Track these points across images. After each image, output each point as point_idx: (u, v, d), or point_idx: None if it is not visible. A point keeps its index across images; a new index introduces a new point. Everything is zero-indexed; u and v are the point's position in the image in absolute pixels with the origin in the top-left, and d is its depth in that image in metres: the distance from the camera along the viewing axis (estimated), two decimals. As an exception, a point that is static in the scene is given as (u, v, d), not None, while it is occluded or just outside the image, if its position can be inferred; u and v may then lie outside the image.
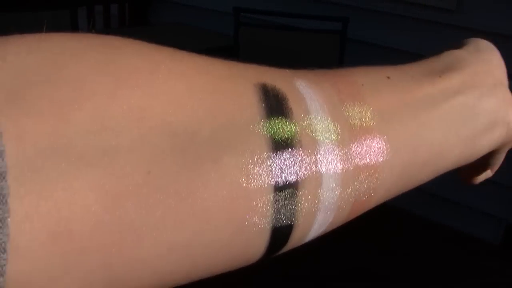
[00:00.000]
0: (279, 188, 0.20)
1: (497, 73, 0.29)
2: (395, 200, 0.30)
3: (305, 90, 0.22)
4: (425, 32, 2.16)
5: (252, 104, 0.20)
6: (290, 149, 0.20)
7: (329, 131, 0.22)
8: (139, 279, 0.18)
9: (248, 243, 0.20)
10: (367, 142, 0.23)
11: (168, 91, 0.19)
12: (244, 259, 0.21)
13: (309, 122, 0.21)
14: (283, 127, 0.20)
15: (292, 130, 0.21)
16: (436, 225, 2.16)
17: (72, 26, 2.40)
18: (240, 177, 0.19)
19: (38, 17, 2.12)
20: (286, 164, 0.20)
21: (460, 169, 0.35)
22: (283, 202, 0.20)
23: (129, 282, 0.18)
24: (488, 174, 0.37)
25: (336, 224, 0.24)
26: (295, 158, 0.20)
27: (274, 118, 0.20)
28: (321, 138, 0.21)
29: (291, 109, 0.21)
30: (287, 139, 0.20)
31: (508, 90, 0.30)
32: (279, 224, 0.20)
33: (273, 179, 0.20)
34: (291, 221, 0.21)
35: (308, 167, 0.21)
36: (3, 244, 0.15)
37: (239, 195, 0.19)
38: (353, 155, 0.22)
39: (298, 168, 0.20)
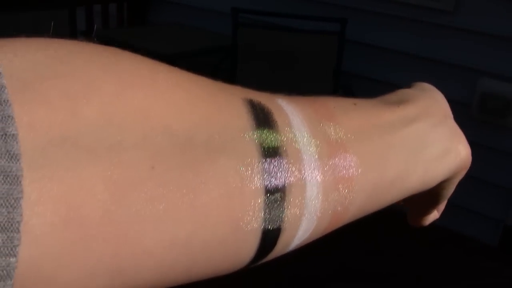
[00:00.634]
0: (269, 191, 0.21)
1: (444, 107, 0.34)
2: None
3: (287, 107, 0.24)
4: (423, 33, 2.16)
5: (242, 115, 0.22)
6: (278, 157, 0.22)
7: (310, 144, 0.24)
8: (143, 272, 0.19)
9: (241, 243, 0.21)
10: (343, 156, 0.25)
11: (168, 96, 0.20)
12: (237, 260, 0.22)
13: (293, 135, 0.23)
14: (270, 137, 0.22)
15: (278, 140, 0.22)
16: (433, 226, 2.16)
17: (70, 26, 2.40)
18: (235, 178, 0.20)
19: (37, 17, 2.12)
20: (275, 170, 0.22)
21: (408, 214, 0.41)
22: (272, 205, 0.22)
23: (134, 275, 0.18)
24: (435, 215, 0.41)
25: (315, 235, 0.26)
26: (282, 165, 0.22)
27: (262, 129, 0.22)
28: (304, 150, 0.23)
29: (276, 122, 0.23)
30: (275, 148, 0.22)
31: (455, 123, 0.34)
32: (269, 227, 0.22)
33: (264, 183, 0.21)
34: (280, 224, 0.22)
35: (294, 175, 0.22)
36: (16, 224, 0.15)
37: (234, 195, 0.20)
38: (332, 168, 0.24)
39: (285, 174, 0.22)
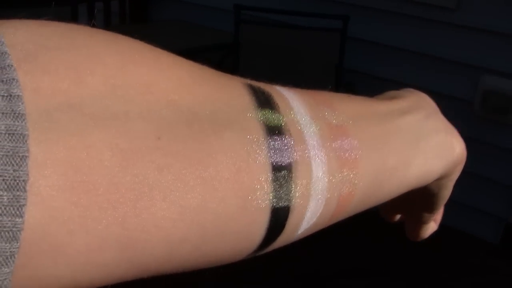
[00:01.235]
0: (276, 168, 0.21)
1: (432, 104, 0.34)
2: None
3: (285, 92, 0.24)
4: (425, 30, 2.15)
5: (244, 96, 0.22)
6: (282, 136, 0.22)
7: (312, 126, 0.24)
8: (152, 247, 0.18)
9: (251, 220, 0.21)
10: (344, 140, 0.25)
11: (171, 73, 0.20)
12: (247, 241, 0.22)
13: (294, 116, 0.23)
14: (273, 117, 0.22)
15: (281, 120, 0.22)
16: (435, 224, 2.16)
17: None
18: (242, 152, 0.20)
19: (39, 14, 2.12)
20: (280, 148, 0.22)
21: (406, 227, 0.40)
22: (280, 182, 0.21)
23: (142, 249, 0.18)
24: (433, 227, 0.40)
25: (322, 221, 0.25)
26: (287, 144, 0.22)
27: (264, 109, 0.22)
28: (306, 131, 0.23)
29: (277, 103, 0.23)
30: (279, 126, 0.22)
31: (445, 118, 0.34)
32: (278, 205, 0.21)
33: (270, 159, 0.21)
34: (288, 203, 0.22)
35: (299, 154, 0.22)
36: (22, 183, 0.15)
37: (242, 169, 0.20)
38: (335, 150, 0.24)
39: (290, 152, 0.22)
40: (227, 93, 0.22)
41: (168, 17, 2.89)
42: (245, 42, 2.21)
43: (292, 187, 0.22)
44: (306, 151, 0.23)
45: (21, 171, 0.15)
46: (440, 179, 0.33)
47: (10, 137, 0.15)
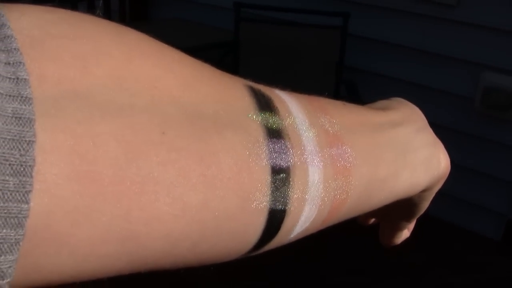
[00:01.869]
0: (275, 171, 0.21)
1: (422, 117, 0.35)
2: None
3: (284, 96, 0.25)
4: (426, 27, 2.15)
5: (245, 97, 0.22)
6: (281, 139, 0.22)
7: (309, 132, 0.24)
8: (153, 241, 0.18)
9: (249, 221, 0.21)
10: (340, 147, 0.25)
11: (175, 70, 0.20)
12: (243, 240, 0.22)
13: (293, 121, 0.23)
14: (273, 119, 0.22)
15: (281, 123, 0.23)
16: (436, 221, 2.16)
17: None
18: (243, 153, 0.20)
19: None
20: (279, 151, 0.22)
21: (380, 232, 0.42)
22: (278, 184, 0.22)
23: (144, 242, 0.18)
24: (406, 234, 0.42)
25: (314, 225, 0.26)
26: (286, 147, 0.22)
27: (265, 112, 0.22)
28: (304, 136, 0.23)
29: (277, 107, 0.23)
30: (278, 130, 0.22)
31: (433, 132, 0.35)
32: (275, 207, 0.22)
33: (269, 161, 0.21)
34: (285, 205, 0.22)
35: (297, 158, 0.22)
36: (29, 169, 0.14)
37: (243, 169, 0.20)
38: (330, 157, 0.25)
39: (289, 156, 0.22)
40: (229, 93, 0.22)
41: (168, 15, 2.89)
42: (245, 40, 2.21)
43: (289, 191, 0.22)
44: (304, 156, 0.23)
45: (28, 156, 0.14)
46: (423, 191, 0.34)
47: (17, 121, 0.14)
